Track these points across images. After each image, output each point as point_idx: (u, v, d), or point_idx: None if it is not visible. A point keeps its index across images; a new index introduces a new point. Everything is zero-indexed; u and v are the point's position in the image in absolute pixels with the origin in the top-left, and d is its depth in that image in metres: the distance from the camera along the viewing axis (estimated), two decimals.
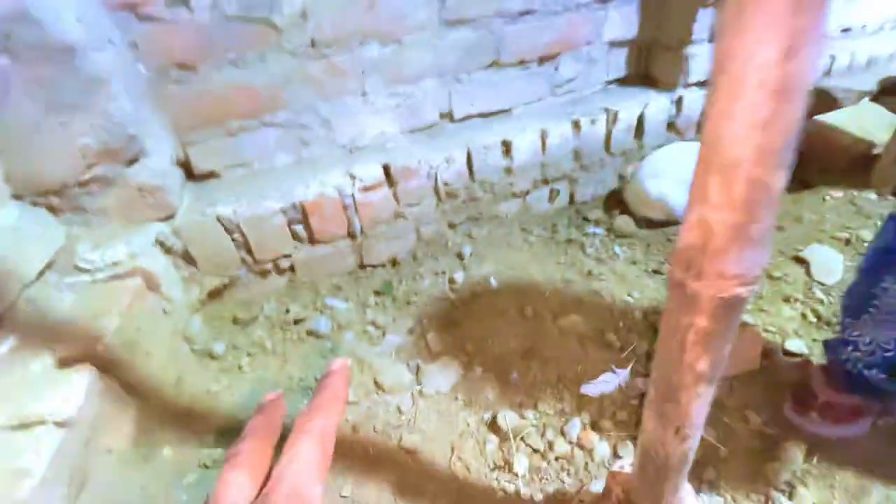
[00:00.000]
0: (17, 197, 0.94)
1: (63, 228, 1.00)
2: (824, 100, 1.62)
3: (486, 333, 1.03)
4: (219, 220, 1.10)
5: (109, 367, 0.79)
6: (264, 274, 1.23)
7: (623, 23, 1.47)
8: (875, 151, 1.48)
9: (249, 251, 1.17)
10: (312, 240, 1.24)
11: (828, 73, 1.76)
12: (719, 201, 0.31)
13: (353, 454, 0.80)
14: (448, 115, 1.41)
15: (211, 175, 1.23)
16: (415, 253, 1.36)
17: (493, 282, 1.20)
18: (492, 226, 1.40)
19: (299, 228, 1.21)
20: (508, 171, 1.37)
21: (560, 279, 1.18)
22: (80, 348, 0.77)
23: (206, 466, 0.79)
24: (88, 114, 0.91)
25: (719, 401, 0.88)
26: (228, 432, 0.86)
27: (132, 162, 1.00)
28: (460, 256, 1.31)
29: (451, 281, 1.21)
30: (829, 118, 1.53)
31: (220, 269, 1.16)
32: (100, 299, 0.89)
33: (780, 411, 0.85)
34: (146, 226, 1.05)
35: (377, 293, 1.24)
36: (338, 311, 1.17)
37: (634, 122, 1.47)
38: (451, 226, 1.39)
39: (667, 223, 1.36)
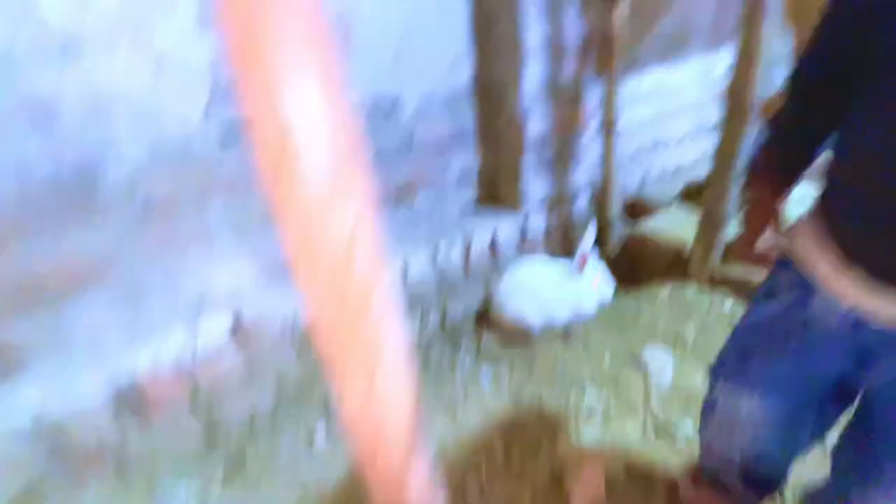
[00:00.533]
0: None
1: None
2: (642, 207, 1.92)
3: None
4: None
5: None
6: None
7: (465, 160, 1.65)
8: (688, 248, 1.75)
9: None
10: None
11: (643, 183, 2.11)
12: None
13: None
14: None
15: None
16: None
17: None
18: None
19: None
20: None
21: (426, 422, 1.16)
22: None
23: None
24: None
25: None
26: None
27: None
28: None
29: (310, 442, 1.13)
30: (647, 224, 1.80)
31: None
32: None
33: None
34: None
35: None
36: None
37: (488, 244, 1.60)
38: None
39: (529, 341, 1.44)
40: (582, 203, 1.88)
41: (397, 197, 1.52)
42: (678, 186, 2.11)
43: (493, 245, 1.61)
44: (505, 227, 1.63)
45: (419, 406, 0.32)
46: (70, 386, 0.99)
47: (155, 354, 1.08)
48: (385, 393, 0.29)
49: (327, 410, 1.23)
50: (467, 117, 1.59)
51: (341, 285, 0.26)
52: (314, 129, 0.22)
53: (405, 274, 1.42)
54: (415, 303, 1.47)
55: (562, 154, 1.75)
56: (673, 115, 2.19)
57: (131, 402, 1.07)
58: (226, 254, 1.27)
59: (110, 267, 1.12)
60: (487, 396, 1.23)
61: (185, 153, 1.14)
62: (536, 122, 1.57)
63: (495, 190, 1.77)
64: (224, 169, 1.19)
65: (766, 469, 0.71)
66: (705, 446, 0.79)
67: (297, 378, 1.29)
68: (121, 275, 1.14)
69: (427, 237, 1.56)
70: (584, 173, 1.86)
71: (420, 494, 0.33)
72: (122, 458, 1.07)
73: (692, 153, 2.36)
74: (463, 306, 1.59)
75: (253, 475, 1.07)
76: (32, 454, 0.97)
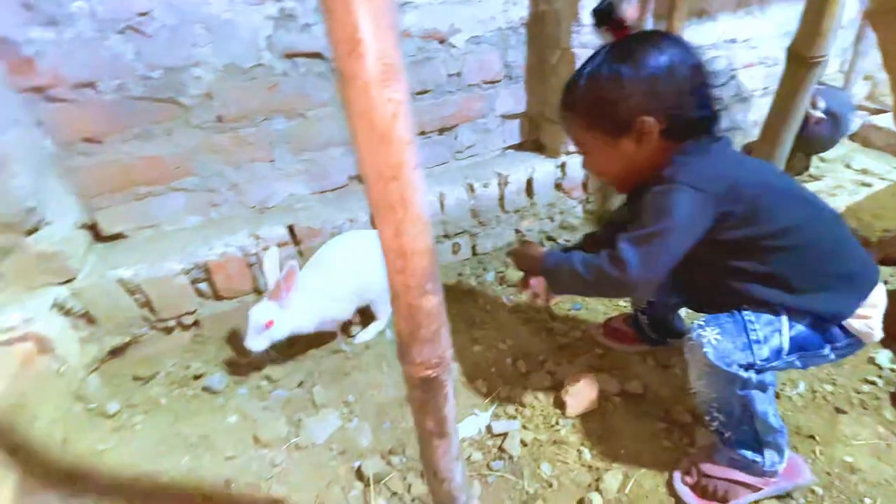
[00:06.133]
0: None
1: None
2: None
3: (370, 384, 1.14)
4: (119, 282, 1.17)
5: None
6: (168, 331, 1.29)
7: (512, 99, 1.68)
8: None
9: (152, 309, 1.24)
10: (217, 296, 1.32)
11: None
12: (399, 316, 0.44)
13: None
14: (357, 178, 1.55)
15: (119, 236, 1.30)
16: None
17: (389, 334, 1.32)
18: None
19: (203, 286, 1.29)
20: None
21: (451, 329, 1.31)
22: None
23: None
24: None
25: (564, 438, 1.01)
26: (108, 490, 0.91)
27: (31, 231, 1.07)
28: (359, 311, 1.42)
29: (349, 334, 1.32)
30: None
31: (121, 328, 1.22)
32: None
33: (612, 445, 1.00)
34: (44, 290, 1.10)
35: (275, 347, 1.33)
36: (236, 367, 1.24)
37: (524, 185, 1.66)
38: None
39: None
40: None
41: (440, 129, 1.60)
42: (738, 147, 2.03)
43: (529, 187, 1.67)
44: (542, 171, 1.68)
45: (433, 258, 0.42)
46: (156, 262, 1.21)
47: (224, 247, 1.27)
48: (408, 236, 0.40)
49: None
50: (519, 54, 1.60)
51: (384, 150, 0.36)
52: (375, 26, 0.32)
53: (442, 202, 1.53)
54: (450, 229, 1.59)
55: None
56: (742, 70, 2.07)
57: (204, 279, 1.28)
58: (284, 167, 1.42)
59: (189, 168, 1.30)
60: (504, 318, 1.36)
61: (251, 73, 1.26)
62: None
63: (538, 132, 1.80)
64: (284, 90, 1.31)
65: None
66: None
67: None
68: (197, 176, 1.32)
69: (466, 171, 1.65)
70: None
71: (430, 319, 0.45)
72: (197, 320, 1.30)
73: (759, 113, 2.24)
74: (494, 239, 1.70)
75: (296, 351, 1.27)
76: (131, 312, 1.21)
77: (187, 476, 0.93)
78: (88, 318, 1.17)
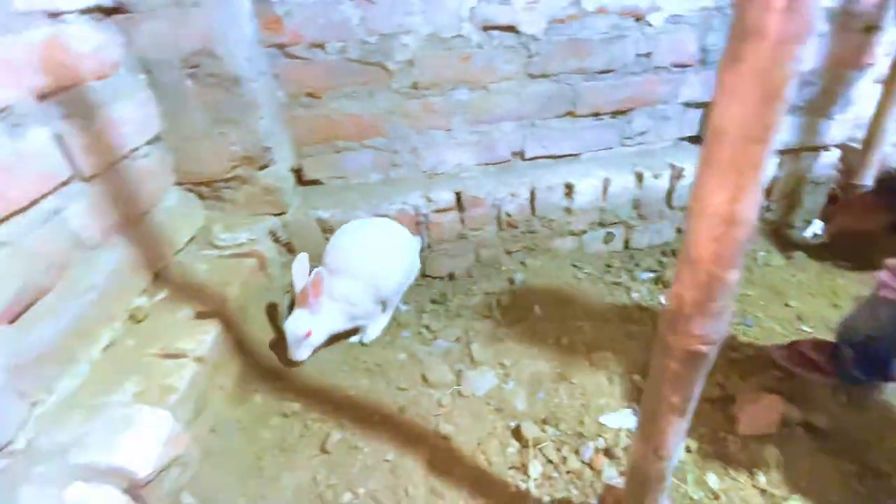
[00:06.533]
0: (178, 184, 1.24)
1: (204, 212, 1.28)
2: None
3: (524, 353, 1.16)
4: (318, 220, 1.34)
5: (228, 325, 1.03)
6: None
7: (700, 86, 1.54)
8: None
9: None
10: None
11: None
12: (689, 283, 0.44)
13: (398, 430, 0.97)
14: (520, 154, 1.57)
15: (316, 182, 1.49)
16: (471, 271, 1.52)
17: (538, 310, 1.33)
18: (545, 258, 1.52)
19: None
20: (568, 210, 1.49)
21: (601, 317, 1.28)
22: (211, 307, 1.02)
23: (286, 415, 1.00)
24: (241, 128, 1.18)
25: (732, 455, 0.94)
26: (304, 393, 1.07)
27: (263, 167, 1.26)
28: (511, 281, 1.45)
29: (500, 303, 1.36)
30: None
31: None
32: (225, 271, 1.14)
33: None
34: (264, 218, 1.31)
35: (433, 301, 1.42)
36: (398, 312, 1.36)
37: None
38: (508, 252, 1.54)
39: None
40: (828, 160, 1.62)
41: (615, 111, 1.53)
42: None
43: None
44: None
45: (752, 231, 0.40)
46: (348, 209, 1.35)
47: (401, 204, 1.38)
48: (743, 203, 0.38)
49: (510, 281, 1.43)
50: (719, 38, 1.46)
51: (767, 110, 0.34)
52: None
53: (606, 187, 1.48)
54: (606, 217, 1.53)
55: (826, 95, 1.51)
56: None
57: None
58: (458, 137, 1.48)
59: (381, 129, 1.42)
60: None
61: (450, 44, 1.33)
62: (808, 49, 1.36)
63: None
64: (475, 62, 1.36)
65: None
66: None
67: (492, 251, 1.52)
68: (386, 137, 1.44)
69: (634, 159, 1.57)
70: (844, 125, 1.58)
71: (724, 294, 0.43)
72: None
73: None
74: (651, 235, 1.60)
75: (452, 309, 1.35)
76: (321, 248, 1.38)
77: (366, 396, 1.05)
78: (290, 248, 1.36)
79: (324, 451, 0.94)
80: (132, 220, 1.03)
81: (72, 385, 0.83)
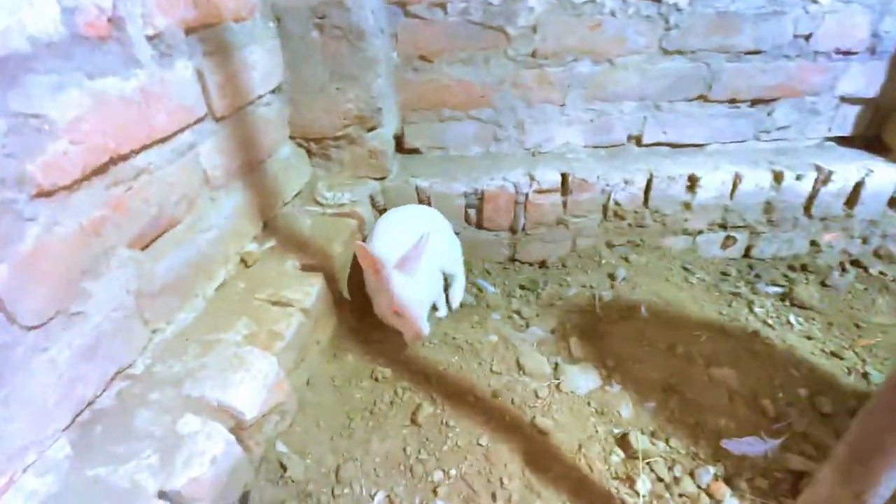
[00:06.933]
0: (291, 137, 1.24)
1: (311, 169, 1.28)
2: None
3: (630, 356, 1.05)
4: (417, 188, 1.30)
5: (330, 280, 1.01)
6: None
7: (864, 78, 1.32)
8: None
9: None
10: (480, 224, 1.38)
11: None
12: None
13: (492, 414, 0.91)
14: (636, 139, 1.43)
15: (415, 151, 1.45)
16: (565, 261, 1.42)
17: (644, 311, 1.21)
18: (652, 256, 1.38)
19: (472, 212, 1.36)
20: (686, 206, 1.34)
21: (719, 329, 1.14)
22: (317, 260, 1.01)
23: (377, 379, 0.97)
24: (358, 86, 1.16)
25: None
26: (394, 361, 1.03)
27: (371, 129, 1.24)
28: (612, 277, 1.33)
29: (600, 297, 1.25)
30: None
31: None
32: (329, 228, 1.13)
33: None
34: (365, 181, 1.29)
35: (523, 287, 1.34)
36: (486, 293, 1.29)
37: (850, 189, 1.31)
38: (609, 245, 1.42)
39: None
40: None
41: (754, 100, 1.35)
42: None
43: (855, 193, 1.32)
44: (880, 178, 1.30)
45: None
46: (447, 180, 1.30)
47: (502, 180, 1.31)
48: None
49: (610, 277, 1.31)
50: (894, 23, 1.23)
51: None
52: None
53: (736, 184, 1.31)
54: (730, 218, 1.36)
55: None
56: None
57: (475, 206, 1.34)
58: (571, 114, 1.38)
59: (490, 99, 1.35)
60: (793, 340, 1.12)
61: (580, 9, 1.22)
62: None
63: (881, 127, 1.40)
64: (605, 31, 1.24)
65: None
66: None
67: (592, 241, 1.40)
68: (493, 109, 1.36)
69: (770, 156, 1.38)
70: None
71: None
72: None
73: None
74: (779, 245, 1.41)
75: (544, 297, 1.26)
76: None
77: (458, 374, 0.99)
78: (383, 213, 1.34)
79: (414, 422, 0.90)
80: (251, 166, 1.04)
81: (188, 318, 0.84)
